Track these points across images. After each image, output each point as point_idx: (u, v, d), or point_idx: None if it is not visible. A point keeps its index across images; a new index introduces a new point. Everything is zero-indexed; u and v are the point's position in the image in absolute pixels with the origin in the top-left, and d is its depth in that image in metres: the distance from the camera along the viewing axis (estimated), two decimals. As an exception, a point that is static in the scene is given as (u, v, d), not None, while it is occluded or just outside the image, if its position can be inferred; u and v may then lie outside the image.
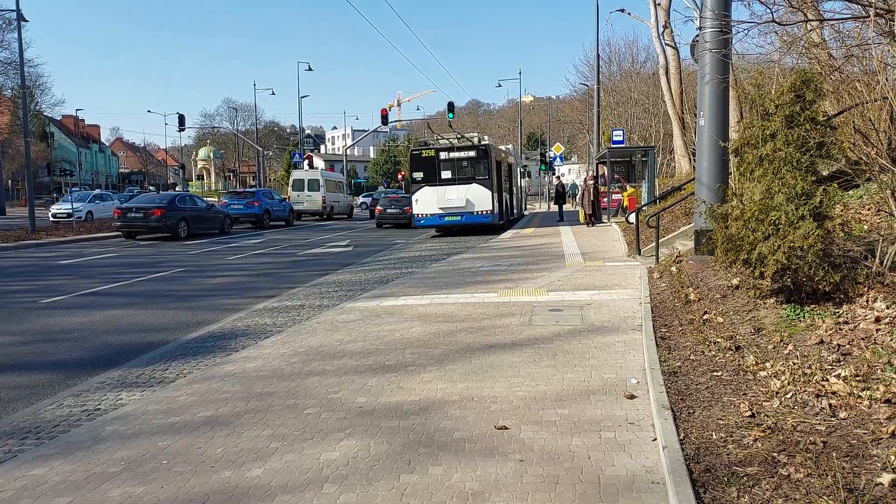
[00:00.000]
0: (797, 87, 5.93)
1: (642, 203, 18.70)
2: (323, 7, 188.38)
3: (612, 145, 25.89)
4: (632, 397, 4.44)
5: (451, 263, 12.74)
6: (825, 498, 2.91)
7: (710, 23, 8.66)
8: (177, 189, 64.31)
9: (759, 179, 5.97)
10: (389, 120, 43.16)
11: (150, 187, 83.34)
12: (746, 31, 7.73)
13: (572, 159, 73.05)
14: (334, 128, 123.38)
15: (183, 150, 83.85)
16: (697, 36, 9.75)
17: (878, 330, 4.86)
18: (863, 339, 4.79)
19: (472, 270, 11.38)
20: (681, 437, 3.65)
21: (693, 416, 3.99)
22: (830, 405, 3.88)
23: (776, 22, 6.97)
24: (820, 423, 3.68)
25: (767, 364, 4.71)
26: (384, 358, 5.75)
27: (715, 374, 4.74)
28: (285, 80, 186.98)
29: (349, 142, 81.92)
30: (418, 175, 20.88)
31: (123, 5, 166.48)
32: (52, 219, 29.43)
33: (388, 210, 27.08)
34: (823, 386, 4.12)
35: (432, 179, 20.64)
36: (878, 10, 6.03)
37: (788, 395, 4.10)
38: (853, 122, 7.74)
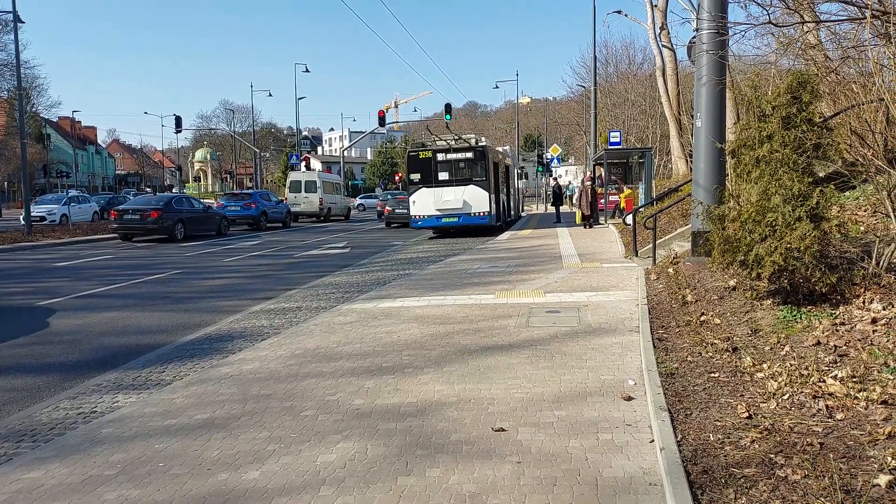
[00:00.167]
0: (794, 89, 5.95)
1: (639, 204, 18.71)
2: (320, 9, 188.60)
3: (609, 147, 25.96)
4: (629, 399, 4.44)
5: (449, 265, 12.73)
6: (822, 499, 2.91)
7: (707, 24, 8.68)
8: (173, 191, 64.23)
9: (756, 181, 5.98)
10: (386, 121, 43.20)
11: (147, 189, 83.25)
12: (743, 33, 7.74)
13: (569, 161, 73.08)
14: (331, 129, 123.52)
15: (180, 151, 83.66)
16: (694, 37, 9.78)
17: (874, 331, 4.87)
18: (859, 340, 4.80)
19: (470, 272, 11.37)
20: (678, 439, 3.64)
21: (690, 418, 3.99)
22: (827, 406, 3.89)
23: (773, 23, 6.99)
24: (817, 425, 3.69)
25: (764, 365, 4.71)
26: (381, 360, 5.74)
27: (712, 375, 4.75)
28: (282, 81, 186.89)
29: (346, 143, 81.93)
30: (415, 176, 20.87)
31: (120, 7, 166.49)
32: (22, 222, 26.18)
33: (397, 210, 27.87)
34: (820, 387, 4.12)
35: (429, 181, 20.63)
36: (874, 12, 6.05)
37: (785, 397, 4.11)
38: (849, 123, 7.77)
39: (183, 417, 4.51)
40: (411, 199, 20.99)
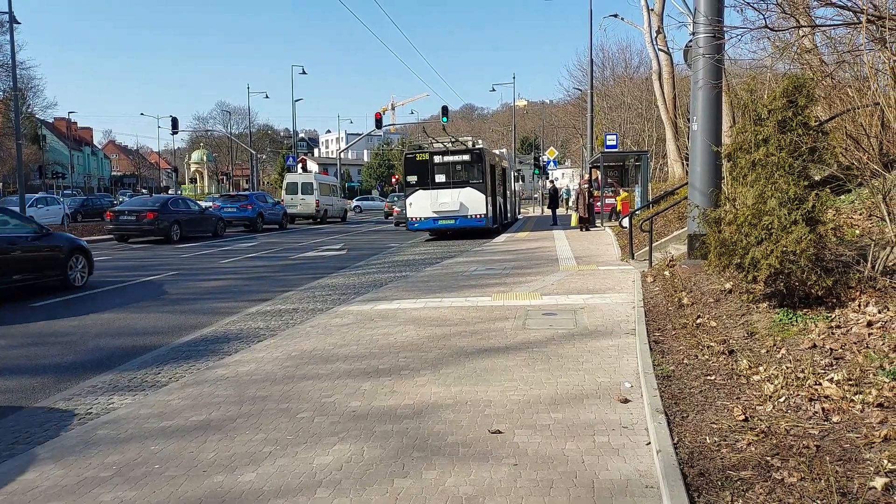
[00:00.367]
0: (789, 93, 5.97)
1: (636, 207, 18.76)
2: (317, 10, 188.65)
3: (606, 150, 26.01)
4: (626, 401, 4.44)
5: (445, 267, 12.73)
6: (818, 502, 2.91)
7: (704, 28, 8.71)
8: (169, 192, 64.10)
9: (752, 184, 5.99)
10: (383, 124, 43.21)
11: (143, 190, 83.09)
12: (739, 37, 7.77)
13: (566, 163, 73.18)
14: (328, 131, 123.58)
15: (176, 153, 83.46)
16: (691, 41, 9.81)
17: (870, 334, 4.88)
18: (855, 343, 4.82)
19: (466, 274, 11.38)
20: (675, 441, 3.65)
21: (687, 420, 3.99)
22: (823, 409, 3.89)
23: (769, 28, 7.02)
24: (813, 427, 3.69)
25: (761, 368, 4.72)
26: (378, 362, 5.73)
27: (708, 378, 4.75)
28: (279, 83, 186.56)
29: (343, 145, 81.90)
30: (412, 178, 20.87)
31: (117, 8, 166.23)
32: None
33: (405, 211, 28.03)
34: (816, 390, 4.13)
35: (426, 183, 20.64)
36: (869, 17, 6.07)
37: (782, 399, 4.11)
38: (845, 127, 7.81)
39: (179, 419, 4.50)
40: (408, 201, 20.99)
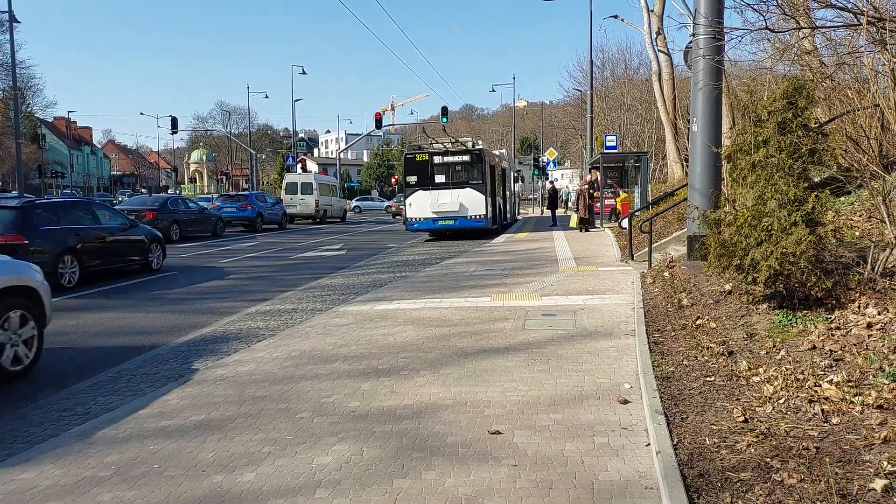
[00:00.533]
0: (789, 94, 5.97)
1: (635, 208, 18.77)
2: (317, 11, 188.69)
3: (606, 150, 26.03)
4: (625, 402, 4.44)
5: (445, 267, 12.73)
6: (818, 503, 2.91)
7: (704, 29, 8.71)
8: (169, 192, 64.07)
9: (752, 185, 6.00)
10: (383, 124, 43.25)
11: (142, 190, 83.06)
12: (739, 38, 7.78)
13: (566, 164, 73.22)
14: (328, 131, 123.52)
15: (175, 152, 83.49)
16: (691, 42, 9.81)
17: (869, 336, 4.89)
18: (855, 344, 4.82)
19: (466, 274, 11.37)
20: (674, 443, 3.65)
21: (686, 422, 3.99)
22: (823, 411, 3.89)
23: (769, 29, 7.02)
24: (813, 429, 3.69)
25: (760, 369, 4.72)
26: (377, 362, 5.73)
27: (708, 379, 4.75)
28: (279, 83, 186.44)
29: (343, 145, 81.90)
30: (412, 179, 20.87)
31: (117, 8, 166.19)
32: None
33: None
34: (816, 391, 4.13)
35: (426, 183, 20.64)
36: (869, 19, 6.08)
37: (781, 401, 4.11)
38: (845, 129, 7.82)
39: (178, 419, 4.49)
40: (407, 201, 20.99)
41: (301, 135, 79.79)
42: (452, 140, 21.60)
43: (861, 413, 3.81)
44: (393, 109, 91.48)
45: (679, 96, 24.55)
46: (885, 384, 4.05)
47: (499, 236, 20.73)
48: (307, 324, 7.63)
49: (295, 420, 4.36)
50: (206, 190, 75.01)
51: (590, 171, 24.30)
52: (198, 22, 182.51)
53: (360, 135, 70.26)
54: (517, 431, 4.00)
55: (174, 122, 40.63)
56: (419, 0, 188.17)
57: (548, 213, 29.46)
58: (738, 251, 5.99)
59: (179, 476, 3.56)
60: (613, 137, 28.76)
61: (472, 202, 20.43)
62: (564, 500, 3.13)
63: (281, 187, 37.17)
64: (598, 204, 22.36)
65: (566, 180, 69.58)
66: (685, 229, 10.76)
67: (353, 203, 57.65)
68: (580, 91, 44.78)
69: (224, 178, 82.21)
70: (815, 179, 6.30)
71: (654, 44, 23.04)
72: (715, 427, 3.86)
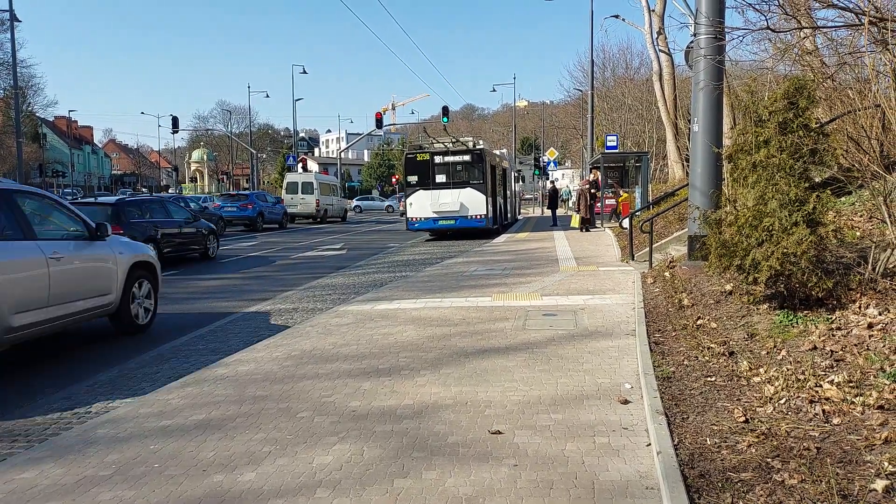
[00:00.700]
0: (790, 94, 5.96)
1: (636, 208, 18.76)
2: (318, 10, 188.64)
3: (606, 150, 26.01)
4: (626, 402, 4.43)
5: (445, 267, 12.73)
6: (819, 504, 2.91)
7: (705, 29, 8.70)
8: (170, 191, 64.07)
9: (753, 185, 5.99)
10: (384, 124, 43.21)
11: (143, 189, 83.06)
12: (741, 38, 7.77)
13: (566, 164, 73.20)
14: (328, 131, 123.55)
15: (176, 151, 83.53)
16: (692, 42, 9.81)
17: (870, 336, 4.88)
18: (856, 345, 4.81)
19: (467, 274, 11.37)
20: (675, 443, 3.64)
21: (687, 422, 3.99)
22: (824, 411, 3.89)
23: (770, 29, 7.01)
24: (813, 429, 3.69)
25: (761, 370, 4.72)
26: (378, 362, 5.72)
27: (709, 379, 4.75)
28: (280, 82, 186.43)
29: (343, 145, 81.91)
30: (413, 178, 20.88)
31: (117, 7, 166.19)
32: None
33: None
34: (817, 392, 4.13)
35: (427, 183, 20.64)
36: (871, 19, 6.07)
37: (782, 401, 4.11)
38: (846, 129, 7.81)
39: (178, 418, 4.49)
40: (408, 201, 20.99)
41: (302, 134, 79.73)
42: (453, 140, 21.59)
43: (862, 413, 3.80)
44: (394, 109, 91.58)
45: (680, 96, 24.55)
46: (885, 384, 4.05)
47: (499, 236, 20.73)
48: (308, 323, 7.63)
49: (295, 419, 4.35)
50: (206, 189, 74.99)
51: (591, 171, 24.28)
52: (198, 21, 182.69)
53: (360, 134, 70.25)
54: (518, 431, 3.99)
55: (175, 121, 40.66)
56: (420, 0, 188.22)
57: (548, 213, 29.45)
58: (738, 251, 5.98)
59: (180, 475, 3.56)
60: (614, 137, 28.74)
61: (472, 202, 20.43)
62: (565, 500, 3.13)
63: (282, 187, 37.18)
64: (599, 204, 22.36)
65: (566, 180, 69.57)
66: (686, 229, 10.76)
67: (354, 203, 57.63)
68: (581, 91, 44.81)
69: (225, 177, 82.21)
70: (816, 179, 6.29)
71: (655, 43, 23.03)
72: (716, 427, 3.85)
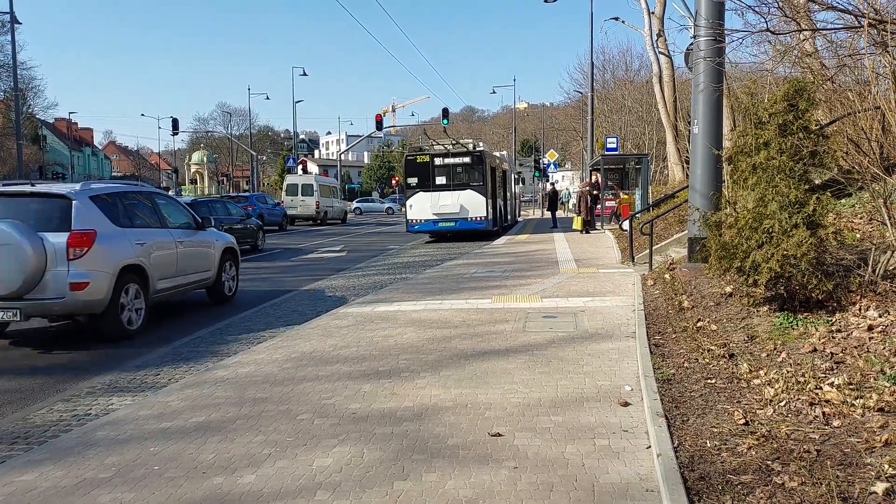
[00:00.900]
0: (790, 96, 5.97)
1: (636, 210, 18.76)
2: (317, 12, 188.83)
3: (606, 152, 26.00)
4: (626, 404, 4.43)
5: (446, 269, 12.73)
6: (819, 506, 2.91)
7: (704, 31, 8.71)
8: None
9: (753, 187, 5.99)
10: (384, 125, 43.23)
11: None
12: (740, 40, 7.77)
13: (566, 166, 73.20)
14: (328, 133, 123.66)
15: (176, 153, 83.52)
16: (691, 44, 9.81)
17: (870, 338, 4.88)
18: (856, 347, 4.81)
19: (466, 276, 11.37)
20: (675, 445, 3.64)
21: (687, 424, 3.99)
22: (824, 413, 3.89)
23: (770, 31, 7.02)
24: (814, 432, 3.69)
25: (761, 372, 4.71)
26: (378, 364, 5.72)
27: (709, 381, 4.75)
28: (280, 84, 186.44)
29: (343, 147, 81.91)
30: (413, 180, 20.88)
31: (117, 8, 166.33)
32: None
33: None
34: (817, 394, 4.12)
35: (427, 185, 20.64)
36: (871, 21, 6.08)
37: (782, 403, 4.11)
38: (846, 131, 7.80)
39: (178, 420, 4.49)
40: (408, 203, 20.99)
41: (302, 136, 79.70)
42: (453, 142, 21.61)
43: (862, 416, 3.80)
44: (394, 111, 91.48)
45: (680, 98, 24.55)
46: (886, 387, 4.04)
47: (499, 238, 20.73)
48: (308, 325, 7.63)
49: (295, 422, 4.35)
50: (206, 191, 75.05)
51: (591, 173, 24.29)
52: (198, 22, 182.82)
53: (360, 136, 70.29)
54: (518, 433, 3.99)
55: (175, 123, 40.72)
56: (420, 2, 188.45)
57: (548, 215, 29.46)
58: (738, 253, 5.98)
59: (180, 477, 3.56)
60: (614, 139, 28.69)
61: (472, 204, 20.43)
62: (565, 503, 3.12)
63: (281, 189, 37.20)
64: (599, 206, 22.36)
65: (566, 182, 69.59)
66: (686, 231, 10.76)
67: (354, 204, 57.66)
68: (581, 93, 44.78)
69: (225, 179, 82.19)
70: (816, 181, 6.29)
71: (655, 46, 23.05)
72: (716, 429, 3.85)
